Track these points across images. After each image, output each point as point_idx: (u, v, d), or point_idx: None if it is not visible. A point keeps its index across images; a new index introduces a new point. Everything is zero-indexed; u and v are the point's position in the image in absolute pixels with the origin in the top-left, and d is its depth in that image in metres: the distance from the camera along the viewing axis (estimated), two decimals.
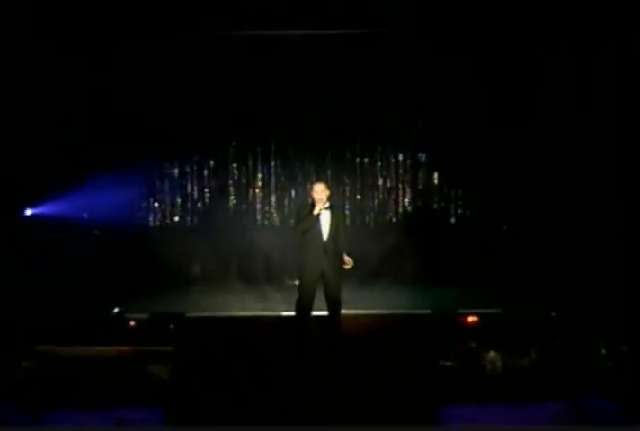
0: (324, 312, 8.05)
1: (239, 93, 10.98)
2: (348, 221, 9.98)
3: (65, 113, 10.35)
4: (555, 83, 10.56)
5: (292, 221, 8.89)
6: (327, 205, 7.88)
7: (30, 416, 6.51)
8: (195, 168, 11.47)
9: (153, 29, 10.24)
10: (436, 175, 11.51)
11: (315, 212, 7.82)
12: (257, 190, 11.54)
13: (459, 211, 11.52)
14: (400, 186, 11.57)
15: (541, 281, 9.75)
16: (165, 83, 10.76)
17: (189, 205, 11.52)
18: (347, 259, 7.93)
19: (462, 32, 10.55)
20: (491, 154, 10.94)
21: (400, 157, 11.56)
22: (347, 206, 11.36)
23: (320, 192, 7.88)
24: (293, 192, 11.48)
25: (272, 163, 11.50)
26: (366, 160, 11.54)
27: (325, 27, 10.51)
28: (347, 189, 11.46)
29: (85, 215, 10.79)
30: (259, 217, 11.54)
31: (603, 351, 7.59)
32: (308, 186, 8.63)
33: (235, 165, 11.46)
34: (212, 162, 11.46)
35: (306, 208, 8.00)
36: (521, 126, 10.81)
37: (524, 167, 10.81)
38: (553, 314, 8.41)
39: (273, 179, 11.54)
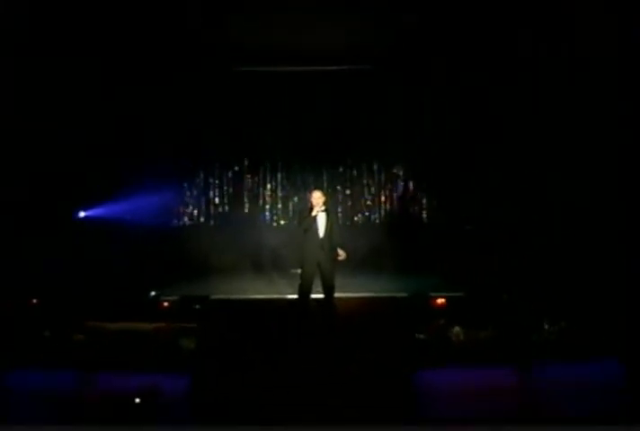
0: (321, 296, 8.09)
1: (254, 121, 11.08)
2: (340, 221, 10.01)
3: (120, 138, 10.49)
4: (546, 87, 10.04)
5: (295, 221, 8.94)
6: (323, 208, 7.96)
7: (80, 379, 6.56)
8: (216, 180, 11.48)
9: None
10: (411, 185, 11.53)
11: (313, 214, 7.91)
12: (267, 197, 11.56)
13: (430, 213, 11.50)
14: (381, 193, 11.57)
15: (497, 269, 9.72)
16: (195, 113, 10.88)
17: (212, 209, 11.53)
18: (340, 252, 8.00)
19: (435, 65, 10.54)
20: (455, 168, 10.94)
21: (381, 171, 11.55)
22: (339, 209, 11.32)
23: (317, 198, 7.96)
24: (296, 198, 11.48)
25: (279, 176, 11.53)
26: (354, 173, 11.56)
27: (320, 64, 10.59)
28: (339, 195, 11.46)
29: (128, 218, 10.80)
30: (268, 218, 11.54)
31: (545, 327, 7.62)
32: (308, 193, 8.62)
33: (248, 176, 11.49)
34: (230, 175, 11.47)
35: (306, 211, 8.06)
36: (491, 140, 10.68)
37: (483, 176, 10.81)
38: (505, 297, 8.38)
39: (279, 188, 11.55)
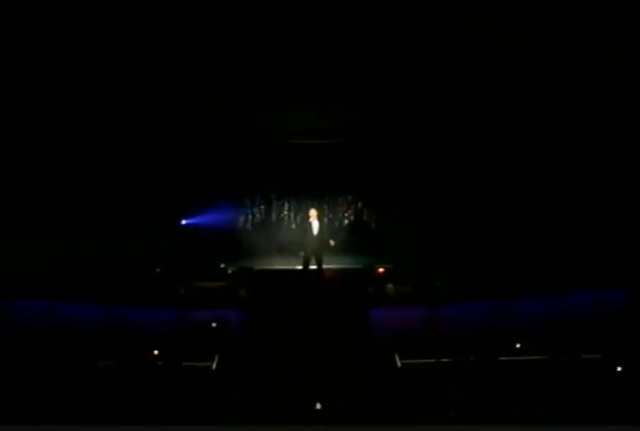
0: (315, 267, 8.05)
1: (278, 174, 10.87)
2: (326, 226, 9.87)
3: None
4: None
5: (300, 226, 8.83)
6: (316, 218, 7.93)
7: (180, 314, 6.50)
8: (256, 204, 11.27)
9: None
10: (365, 208, 11.30)
11: (310, 221, 7.92)
12: (285, 212, 11.46)
13: (374, 222, 11.15)
14: (348, 211, 11.38)
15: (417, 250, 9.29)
16: (246, 169, 10.65)
17: (256, 219, 11.40)
18: (332, 241, 7.93)
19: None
20: (391, 195, 10.53)
21: (348, 200, 11.30)
22: (326, 219, 11.15)
23: (312, 212, 7.97)
24: (301, 213, 11.29)
25: (292, 201, 11.31)
26: (334, 200, 11.26)
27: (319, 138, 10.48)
28: (325, 211, 11.24)
29: (209, 224, 10.70)
30: (286, 224, 11.41)
31: (439, 283, 7.60)
32: (307, 210, 8.52)
33: (275, 202, 11.32)
34: (265, 201, 11.27)
35: (305, 220, 8.03)
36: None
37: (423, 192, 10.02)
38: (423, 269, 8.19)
39: (292, 207, 11.38)
